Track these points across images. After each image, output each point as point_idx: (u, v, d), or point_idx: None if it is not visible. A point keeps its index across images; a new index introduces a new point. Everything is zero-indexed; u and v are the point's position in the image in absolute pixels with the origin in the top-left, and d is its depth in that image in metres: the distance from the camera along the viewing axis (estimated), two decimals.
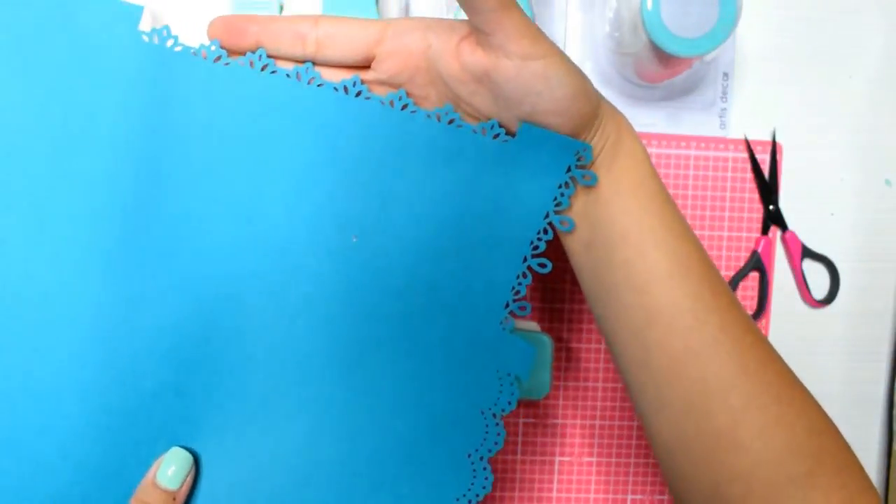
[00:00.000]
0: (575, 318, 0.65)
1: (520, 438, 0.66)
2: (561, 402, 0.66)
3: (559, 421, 0.66)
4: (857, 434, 0.68)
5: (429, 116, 0.43)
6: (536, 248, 0.46)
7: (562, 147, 0.43)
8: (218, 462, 0.45)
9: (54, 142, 0.42)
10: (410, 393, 0.45)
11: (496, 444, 0.46)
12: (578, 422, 0.66)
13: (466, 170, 0.44)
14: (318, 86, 0.43)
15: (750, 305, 0.66)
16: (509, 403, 0.46)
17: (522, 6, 0.53)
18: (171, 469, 0.43)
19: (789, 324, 0.67)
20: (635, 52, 0.57)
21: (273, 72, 0.44)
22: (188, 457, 0.43)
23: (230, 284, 0.44)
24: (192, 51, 0.44)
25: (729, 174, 0.65)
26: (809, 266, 0.67)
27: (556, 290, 0.65)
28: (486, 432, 0.46)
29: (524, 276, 0.46)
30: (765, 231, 0.66)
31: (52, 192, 0.42)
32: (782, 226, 0.66)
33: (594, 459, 0.67)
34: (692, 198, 0.65)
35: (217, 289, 0.44)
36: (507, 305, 0.46)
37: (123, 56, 0.43)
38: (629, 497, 0.67)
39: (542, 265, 0.46)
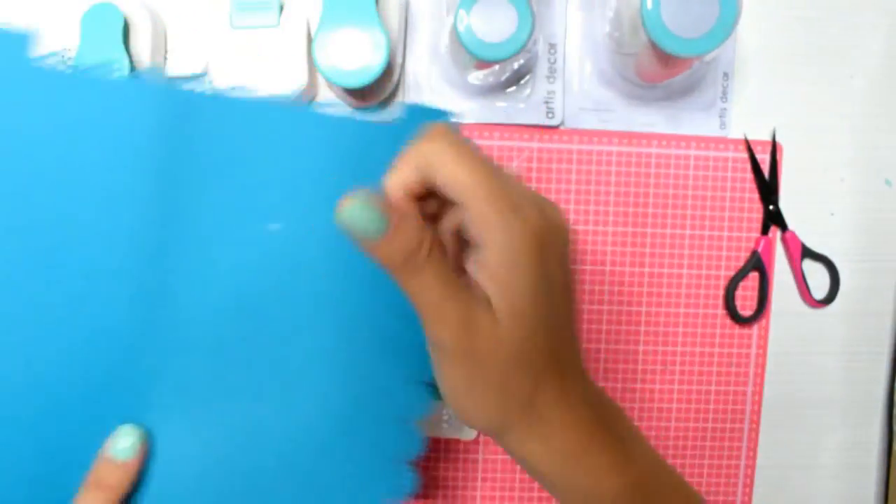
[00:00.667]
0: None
1: None
2: None
3: None
4: (857, 434, 0.68)
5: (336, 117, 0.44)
6: None
7: (438, 115, 0.44)
8: (169, 439, 0.45)
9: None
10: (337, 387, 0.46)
11: (418, 447, 0.47)
12: None
13: (366, 152, 0.44)
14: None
15: (750, 305, 0.66)
16: (424, 410, 0.47)
17: (523, 6, 0.54)
18: (121, 442, 0.43)
19: (789, 324, 0.67)
20: (635, 51, 0.57)
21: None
22: (139, 430, 0.44)
23: (194, 280, 0.44)
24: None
25: (729, 174, 0.66)
26: (809, 266, 0.67)
27: None
28: (408, 438, 0.47)
29: None
30: (765, 231, 0.66)
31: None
32: (782, 226, 0.66)
33: None
34: (692, 198, 0.65)
35: (183, 284, 0.44)
36: None
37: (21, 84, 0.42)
38: None
39: None
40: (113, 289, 0.43)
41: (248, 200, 0.43)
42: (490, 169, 0.36)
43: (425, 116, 0.43)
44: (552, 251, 0.38)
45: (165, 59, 0.62)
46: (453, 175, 0.36)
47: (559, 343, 0.39)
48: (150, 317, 0.44)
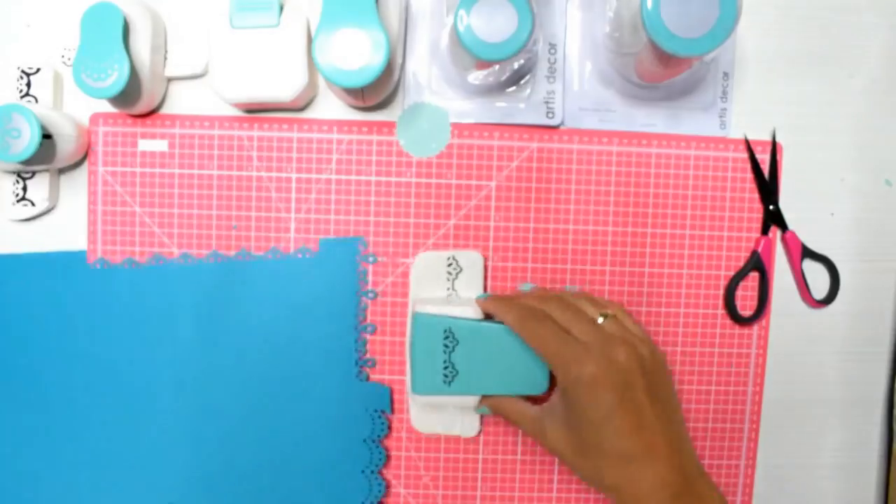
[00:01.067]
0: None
1: (520, 439, 0.66)
2: None
3: None
4: (857, 434, 0.68)
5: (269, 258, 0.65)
6: (364, 319, 0.65)
7: (348, 244, 0.65)
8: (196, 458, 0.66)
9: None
10: (312, 435, 0.65)
11: (380, 461, 0.65)
12: None
13: (301, 280, 0.65)
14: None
15: (750, 305, 0.66)
16: (382, 430, 0.65)
17: (523, 6, 0.53)
18: None
19: (789, 324, 0.67)
20: (635, 51, 0.57)
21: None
22: None
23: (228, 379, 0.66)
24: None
25: (729, 174, 0.66)
26: (809, 266, 0.67)
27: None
28: (371, 454, 0.65)
29: (359, 340, 0.65)
30: (765, 231, 0.66)
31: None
32: (782, 226, 0.66)
33: None
34: (692, 198, 0.65)
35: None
36: (357, 362, 0.65)
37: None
38: None
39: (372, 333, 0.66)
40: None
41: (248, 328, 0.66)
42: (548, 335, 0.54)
43: (338, 247, 0.65)
44: (604, 389, 0.51)
45: (165, 59, 0.62)
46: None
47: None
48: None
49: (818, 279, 0.67)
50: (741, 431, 0.67)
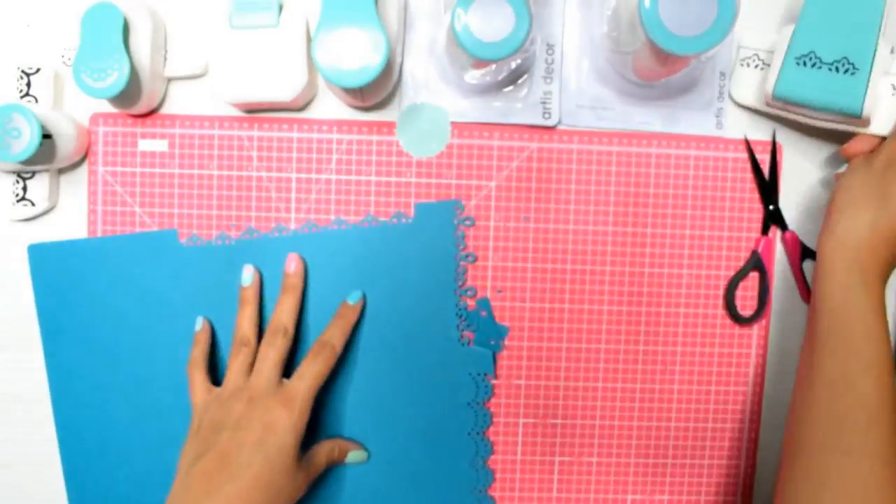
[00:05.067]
0: (575, 319, 0.65)
1: (520, 438, 0.66)
2: (561, 402, 0.66)
3: (559, 421, 0.66)
4: None
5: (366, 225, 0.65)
6: (464, 283, 0.65)
7: (445, 208, 0.64)
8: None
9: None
10: (416, 400, 0.66)
11: (485, 424, 0.66)
12: (578, 422, 0.66)
13: (395, 246, 0.65)
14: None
15: (750, 305, 0.66)
16: (487, 393, 0.66)
17: (520, 6, 0.54)
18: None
19: (789, 324, 0.67)
20: (633, 50, 0.57)
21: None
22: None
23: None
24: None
25: (729, 174, 0.65)
26: (809, 266, 0.67)
27: (555, 290, 0.65)
28: (476, 416, 0.66)
29: (459, 304, 0.65)
30: (765, 231, 0.66)
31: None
32: (782, 226, 0.66)
33: (594, 459, 0.67)
34: (692, 198, 0.65)
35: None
36: (458, 327, 0.65)
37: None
38: (629, 497, 0.67)
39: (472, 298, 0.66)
40: None
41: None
42: None
43: (435, 211, 0.65)
44: None
45: (165, 58, 0.62)
46: None
47: None
48: None
49: None
50: (741, 431, 0.67)
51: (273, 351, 0.60)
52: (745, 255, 0.66)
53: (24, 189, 0.63)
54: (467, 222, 0.65)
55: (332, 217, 0.65)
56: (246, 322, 0.62)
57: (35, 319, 0.65)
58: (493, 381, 0.66)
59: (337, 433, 0.65)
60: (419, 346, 0.65)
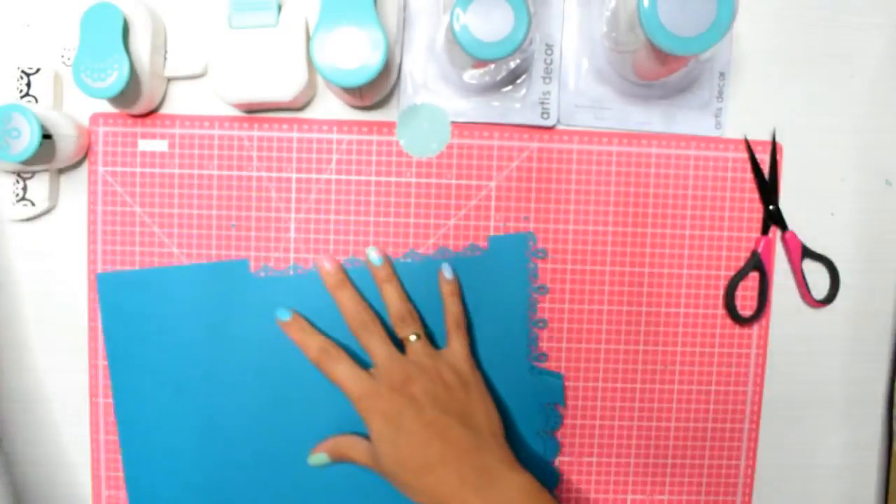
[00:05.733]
0: (575, 318, 0.65)
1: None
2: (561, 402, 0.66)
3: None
4: (857, 434, 0.68)
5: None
6: (535, 314, 0.65)
7: (516, 240, 0.65)
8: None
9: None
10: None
11: (555, 453, 0.66)
12: (579, 422, 0.66)
13: (471, 277, 0.65)
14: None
15: (750, 305, 0.66)
16: (557, 422, 0.66)
17: (519, 5, 0.54)
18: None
19: (789, 324, 0.67)
20: (632, 49, 0.57)
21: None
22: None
23: None
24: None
25: (728, 174, 0.65)
26: (809, 266, 0.67)
27: (555, 290, 0.65)
28: (545, 445, 0.66)
29: (531, 335, 0.65)
30: (765, 231, 0.66)
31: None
32: (782, 226, 0.66)
33: (595, 459, 0.67)
34: (692, 198, 0.65)
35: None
36: (529, 357, 0.66)
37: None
38: (629, 497, 0.67)
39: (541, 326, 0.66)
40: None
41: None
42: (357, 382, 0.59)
43: (507, 244, 0.65)
44: (391, 422, 0.57)
45: (165, 58, 0.63)
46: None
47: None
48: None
49: (818, 279, 0.67)
50: (741, 431, 0.67)
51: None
52: (745, 255, 0.66)
53: (24, 189, 0.63)
54: (540, 254, 0.65)
55: (406, 249, 0.65)
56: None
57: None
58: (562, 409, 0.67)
59: None
60: (490, 374, 0.65)
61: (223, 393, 0.65)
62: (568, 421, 0.66)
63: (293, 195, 0.64)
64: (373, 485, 0.64)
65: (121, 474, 0.66)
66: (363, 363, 0.61)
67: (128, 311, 0.65)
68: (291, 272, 0.65)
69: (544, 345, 0.66)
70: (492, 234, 0.65)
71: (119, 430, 0.65)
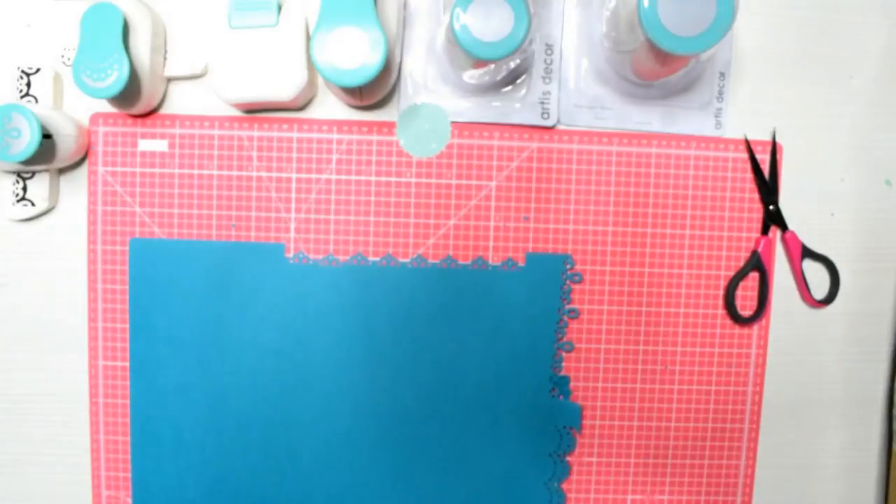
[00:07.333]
0: (574, 318, 0.65)
1: None
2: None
3: None
4: (857, 434, 0.68)
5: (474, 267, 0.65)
6: (562, 336, 0.65)
7: (553, 261, 0.65)
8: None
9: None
10: (499, 445, 0.66)
11: (563, 475, 0.66)
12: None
13: (504, 291, 0.65)
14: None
15: (750, 305, 0.66)
16: (570, 446, 0.66)
17: (519, 5, 0.54)
18: None
19: (789, 324, 0.67)
20: (632, 49, 0.57)
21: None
22: None
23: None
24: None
25: (729, 174, 0.65)
26: (809, 266, 0.67)
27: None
28: (555, 467, 0.66)
29: (556, 357, 0.65)
30: (765, 231, 0.66)
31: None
32: (782, 226, 0.66)
33: (594, 459, 0.67)
34: (692, 198, 0.65)
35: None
36: (551, 379, 0.65)
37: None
38: (629, 497, 0.67)
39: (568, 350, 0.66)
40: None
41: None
42: None
43: (544, 263, 0.65)
44: None
45: (165, 58, 0.63)
46: None
47: None
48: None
49: (818, 279, 0.67)
50: (741, 431, 0.67)
51: None
52: (745, 255, 0.66)
53: (24, 189, 0.63)
54: (577, 277, 0.65)
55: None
56: None
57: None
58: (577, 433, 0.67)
59: (414, 463, 0.66)
60: (510, 392, 0.66)
61: (238, 372, 0.65)
62: None
63: (293, 195, 0.64)
64: (378, 481, 0.65)
65: (121, 474, 0.66)
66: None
67: (155, 279, 0.65)
68: (326, 263, 0.65)
69: (568, 366, 0.66)
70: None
71: (131, 397, 0.65)
